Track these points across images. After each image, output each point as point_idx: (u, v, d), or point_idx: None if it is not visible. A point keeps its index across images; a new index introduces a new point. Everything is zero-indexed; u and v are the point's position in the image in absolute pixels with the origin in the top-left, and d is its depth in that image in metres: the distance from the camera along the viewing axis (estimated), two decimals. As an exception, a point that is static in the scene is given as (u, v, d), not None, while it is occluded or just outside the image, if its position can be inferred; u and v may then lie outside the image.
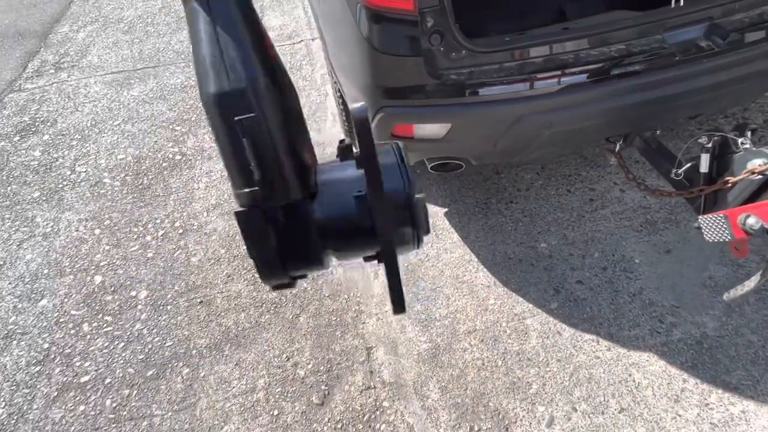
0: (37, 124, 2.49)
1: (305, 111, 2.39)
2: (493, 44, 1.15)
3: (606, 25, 1.20)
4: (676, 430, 1.21)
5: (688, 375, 1.30)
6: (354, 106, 0.42)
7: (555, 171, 1.94)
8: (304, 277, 0.51)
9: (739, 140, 1.04)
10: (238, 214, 0.43)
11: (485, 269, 1.63)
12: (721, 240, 0.96)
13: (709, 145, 1.08)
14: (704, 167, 1.10)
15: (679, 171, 1.18)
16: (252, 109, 0.41)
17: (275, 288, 0.48)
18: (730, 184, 1.03)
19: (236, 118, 0.41)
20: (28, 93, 2.71)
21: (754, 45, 1.23)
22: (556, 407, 1.28)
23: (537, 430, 1.24)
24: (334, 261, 0.49)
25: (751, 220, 0.88)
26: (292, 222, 0.43)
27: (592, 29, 1.18)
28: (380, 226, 0.40)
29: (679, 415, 1.23)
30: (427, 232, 0.46)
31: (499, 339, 1.44)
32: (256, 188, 0.41)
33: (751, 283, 0.92)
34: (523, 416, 1.27)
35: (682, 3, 1.16)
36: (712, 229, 0.97)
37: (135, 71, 2.81)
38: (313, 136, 2.37)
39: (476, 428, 1.26)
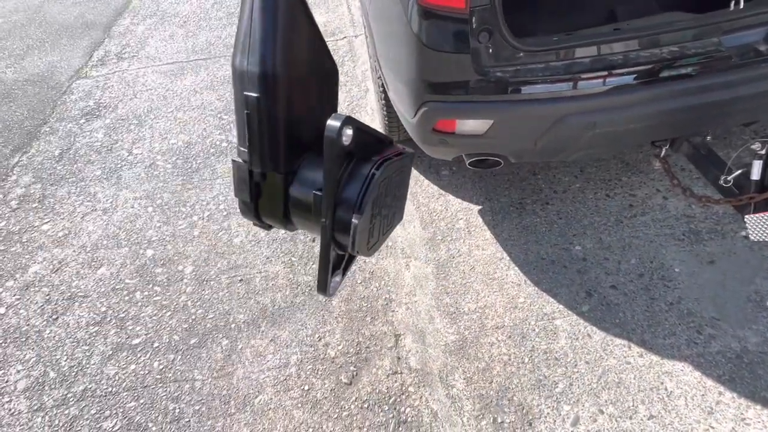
0: (100, 108, 2.70)
1: (345, 106, 2.47)
2: (541, 44, 1.16)
3: (660, 26, 1.18)
4: (708, 443, 1.18)
5: (724, 388, 1.27)
6: (330, 122, 0.45)
7: (594, 175, 1.91)
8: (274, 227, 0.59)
9: (797, 148, 1.00)
10: (234, 162, 0.53)
11: (516, 268, 1.64)
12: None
13: (763, 151, 1.05)
14: (756, 174, 1.07)
15: (729, 178, 1.15)
16: (257, 90, 0.48)
17: (255, 225, 0.58)
18: (783, 193, 1.00)
19: (243, 93, 0.49)
20: (93, 80, 2.94)
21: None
22: (582, 408, 1.28)
23: (561, 428, 1.25)
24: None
25: None
26: (266, 185, 0.53)
27: (644, 30, 1.17)
28: (322, 226, 0.49)
29: (713, 428, 1.20)
30: (353, 250, 0.50)
31: (527, 337, 1.45)
32: (245, 150, 0.51)
33: None
34: (548, 413, 1.28)
35: (741, 5, 1.13)
36: (759, 228, 0.95)
37: (188, 63, 2.99)
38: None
39: (499, 420, 1.28)
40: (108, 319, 1.66)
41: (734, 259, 1.56)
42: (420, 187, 1.98)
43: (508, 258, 1.67)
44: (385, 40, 1.43)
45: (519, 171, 1.96)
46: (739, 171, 1.13)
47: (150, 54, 3.12)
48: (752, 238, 0.99)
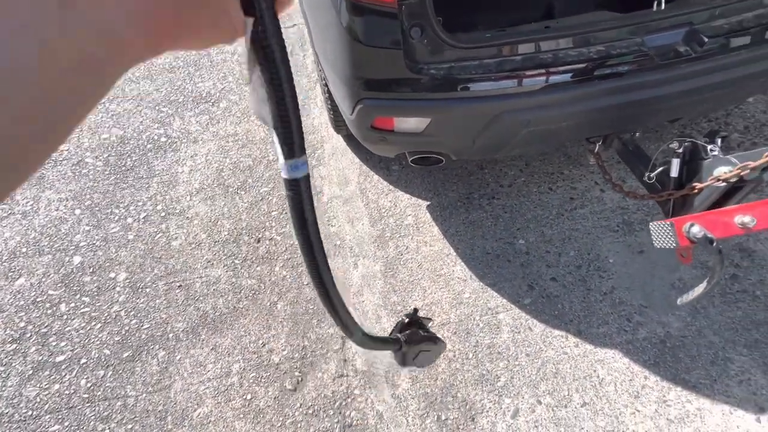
0: (19, 99, 2.44)
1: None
2: (473, 40, 1.15)
3: (586, 26, 1.20)
4: (634, 425, 1.25)
5: (649, 372, 1.35)
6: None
7: (538, 168, 1.95)
8: None
9: (709, 147, 1.05)
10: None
11: (463, 263, 1.65)
12: (668, 247, 0.99)
13: (680, 150, 1.10)
14: (674, 172, 1.12)
15: (652, 174, 1.20)
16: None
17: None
18: (696, 190, 1.05)
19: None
20: (11, 67, 2.65)
21: (734, 51, 1.24)
22: (521, 400, 1.32)
23: (502, 421, 1.28)
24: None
25: (695, 229, 0.91)
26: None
27: (572, 29, 1.18)
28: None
29: (638, 411, 1.28)
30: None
31: (472, 332, 1.47)
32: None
33: (699, 289, 0.96)
34: (490, 407, 1.31)
35: (663, 6, 1.17)
36: (660, 236, 1.00)
37: (122, 49, 2.76)
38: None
39: (443, 417, 1.30)
40: (28, 335, 1.52)
41: (661, 248, 1.65)
42: (370, 183, 1.95)
43: (454, 254, 1.68)
44: (320, 34, 1.36)
45: (467, 165, 1.97)
46: (661, 168, 1.18)
47: (78, 39, 2.84)
48: (655, 245, 1.04)
